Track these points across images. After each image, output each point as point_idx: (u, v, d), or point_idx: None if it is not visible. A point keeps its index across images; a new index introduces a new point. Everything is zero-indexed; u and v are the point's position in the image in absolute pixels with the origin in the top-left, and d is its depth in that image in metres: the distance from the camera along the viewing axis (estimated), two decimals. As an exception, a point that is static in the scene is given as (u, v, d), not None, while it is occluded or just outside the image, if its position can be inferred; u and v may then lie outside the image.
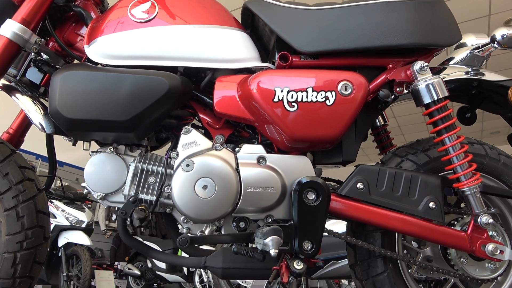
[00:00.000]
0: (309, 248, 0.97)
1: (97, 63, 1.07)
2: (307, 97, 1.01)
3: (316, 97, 1.01)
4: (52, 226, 4.13)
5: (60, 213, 4.24)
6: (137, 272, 5.40)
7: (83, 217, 4.36)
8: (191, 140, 1.04)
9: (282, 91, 1.01)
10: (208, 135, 1.13)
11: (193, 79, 1.15)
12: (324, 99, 1.01)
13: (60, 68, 1.01)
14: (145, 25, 1.07)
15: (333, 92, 1.02)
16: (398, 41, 1.07)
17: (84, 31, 1.18)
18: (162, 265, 5.07)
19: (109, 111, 0.98)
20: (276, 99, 1.01)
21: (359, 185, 1.03)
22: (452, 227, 1.08)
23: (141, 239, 1.09)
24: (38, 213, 1.09)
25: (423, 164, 1.14)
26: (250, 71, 1.13)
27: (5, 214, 1.04)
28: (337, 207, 1.03)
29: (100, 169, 1.04)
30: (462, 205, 1.18)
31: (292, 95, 1.01)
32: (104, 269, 4.99)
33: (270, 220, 1.02)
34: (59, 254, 4.26)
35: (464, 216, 1.12)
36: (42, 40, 1.10)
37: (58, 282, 4.21)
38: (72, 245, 4.31)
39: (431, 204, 1.03)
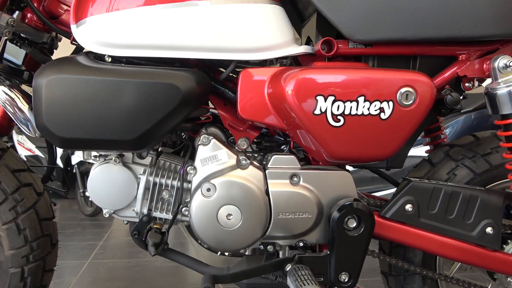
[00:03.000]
0: (346, 280, 0.86)
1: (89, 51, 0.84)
2: (356, 109, 0.80)
3: (368, 109, 0.80)
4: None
5: None
6: None
7: None
8: (211, 154, 0.86)
9: (325, 100, 0.79)
10: (227, 132, 0.95)
11: (210, 70, 0.92)
12: (378, 111, 0.80)
13: (43, 67, 0.79)
14: (146, 2, 0.81)
15: (391, 103, 0.80)
16: (480, 32, 0.81)
17: (69, -2, 0.92)
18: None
19: (110, 128, 0.78)
20: (317, 111, 0.80)
21: (408, 207, 0.88)
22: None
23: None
24: (41, 222, 0.98)
25: (482, 173, 0.96)
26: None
27: (4, 228, 0.93)
28: (380, 229, 0.89)
29: (105, 184, 0.88)
30: None
31: (338, 106, 0.80)
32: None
33: (302, 244, 0.89)
34: (74, 171, 4.32)
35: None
36: (15, 15, 0.85)
37: (75, 197, 4.35)
38: (86, 163, 4.35)
39: (488, 230, 0.89)
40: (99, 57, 0.85)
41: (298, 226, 0.87)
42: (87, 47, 0.83)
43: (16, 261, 0.94)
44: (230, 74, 0.91)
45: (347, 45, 0.87)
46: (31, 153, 4.50)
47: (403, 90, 0.80)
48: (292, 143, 0.93)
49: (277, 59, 0.89)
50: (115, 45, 0.82)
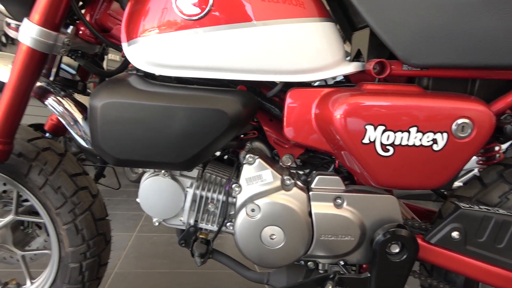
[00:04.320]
0: (385, 303, 0.88)
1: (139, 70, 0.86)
2: (408, 140, 0.77)
3: (420, 140, 0.77)
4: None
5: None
6: None
7: None
8: (256, 173, 0.87)
9: (375, 129, 0.77)
10: (269, 145, 0.96)
11: (257, 86, 0.91)
12: (431, 142, 0.77)
13: (98, 89, 0.82)
14: (196, 24, 0.80)
15: (445, 134, 0.76)
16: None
17: (119, 11, 0.92)
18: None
19: (160, 152, 0.81)
20: (366, 140, 0.78)
21: (454, 234, 0.86)
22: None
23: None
24: (96, 222, 1.06)
25: (538, 198, 0.92)
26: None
27: (64, 228, 1.01)
28: (424, 253, 0.89)
29: (154, 195, 0.93)
30: None
31: (388, 136, 0.77)
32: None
33: (342, 263, 0.91)
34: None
35: None
36: (70, 30, 0.87)
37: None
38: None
39: (539, 261, 0.86)
40: (150, 76, 0.86)
41: (340, 247, 0.88)
42: (138, 66, 0.84)
43: (75, 257, 1.03)
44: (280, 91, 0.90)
45: (400, 67, 0.83)
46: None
47: (459, 121, 0.76)
48: (336, 162, 0.92)
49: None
50: (165, 66, 0.83)
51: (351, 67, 0.87)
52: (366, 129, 0.77)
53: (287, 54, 0.82)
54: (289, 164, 0.93)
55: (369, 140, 0.78)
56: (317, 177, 0.89)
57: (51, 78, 0.97)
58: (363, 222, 0.87)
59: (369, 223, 0.87)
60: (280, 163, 0.94)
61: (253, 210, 0.85)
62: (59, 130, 1.13)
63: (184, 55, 0.81)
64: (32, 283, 1.13)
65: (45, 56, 0.85)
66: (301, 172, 0.94)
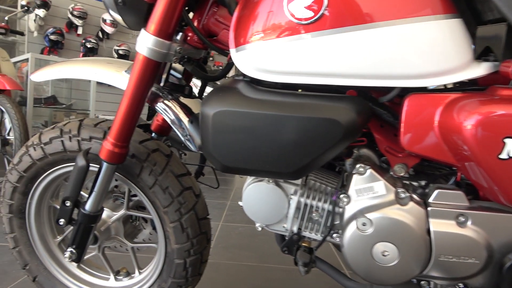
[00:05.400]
0: (513, 334, 0.78)
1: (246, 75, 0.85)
2: (558, 157, 0.66)
3: None
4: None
5: None
6: None
7: None
8: (368, 185, 0.82)
9: (516, 143, 0.67)
10: (379, 152, 0.89)
11: (368, 91, 0.85)
12: None
13: (209, 97, 0.82)
14: (308, 28, 0.76)
15: None
16: None
17: (226, 16, 0.92)
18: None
19: (270, 161, 0.79)
20: (504, 155, 0.68)
21: None
22: None
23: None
24: (199, 221, 1.09)
25: None
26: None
27: (171, 226, 1.05)
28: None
29: (258, 201, 0.92)
30: None
31: (532, 152, 0.67)
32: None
33: (462, 286, 0.83)
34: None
35: None
36: (179, 37, 0.89)
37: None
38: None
39: None
40: (256, 81, 0.85)
41: (461, 270, 0.79)
42: (246, 73, 0.83)
43: (180, 254, 1.08)
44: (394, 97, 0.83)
45: (546, 69, 0.70)
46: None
47: None
48: (459, 175, 0.83)
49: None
50: (274, 72, 0.80)
51: (482, 69, 0.76)
52: (505, 143, 0.68)
53: (409, 57, 0.74)
54: (401, 174, 0.86)
55: (508, 155, 0.68)
56: (436, 191, 0.81)
57: (161, 84, 1.00)
58: (490, 244, 0.77)
59: (498, 246, 0.77)
60: (391, 173, 0.87)
61: (364, 224, 0.81)
62: (163, 130, 1.18)
63: (294, 61, 0.78)
64: (140, 273, 1.21)
65: (159, 65, 0.88)
66: (415, 184, 0.87)
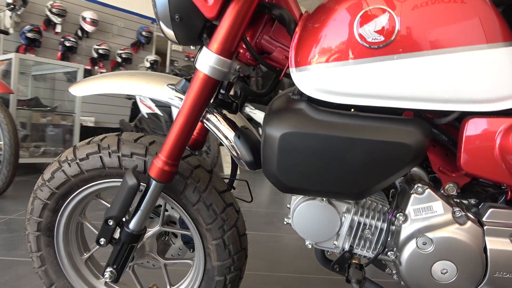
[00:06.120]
0: None
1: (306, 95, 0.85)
2: None
3: None
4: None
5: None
6: None
7: None
8: (426, 204, 0.85)
9: None
10: (429, 169, 0.92)
11: (424, 114, 0.88)
12: None
13: (271, 118, 0.82)
14: (378, 52, 0.77)
15: None
16: None
17: (281, 35, 0.92)
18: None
19: (336, 183, 0.80)
20: None
21: None
22: None
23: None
24: (240, 237, 1.08)
25: None
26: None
27: (214, 243, 1.04)
28: None
29: (310, 219, 0.93)
30: None
31: None
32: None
33: (512, 300, 0.87)
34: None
35: None
36: (239, 62, 0.89)
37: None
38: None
39: None
40: (312, 100, 0.85)
41: (514, 285, 0.84)
42: (306, 92, 0.83)
43: (221, 271, 1.07)
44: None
45: None
46: (151, 111, 4.91)
47: None
48: (510, 193, 0.87)
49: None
50: (336, 93, 0.81)
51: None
52: None
53: (470, 83, 0.77)
54: (452, 193, 0.89)
55: None
56: (490, 210, 0.84)
57: (211, 101, 0.99)
58: (542, 261, 0.82)
59: (550, 262, 0.82)
60: (442, 191, 0.90)
61: (424, 244, 0.83)
62: (198, 144, 1.16)
63: (359, 83, 0.79)
64: (172, 289, 1.19)
65: (218, 83, 0.87)
66: (465, 202, 0.90)
